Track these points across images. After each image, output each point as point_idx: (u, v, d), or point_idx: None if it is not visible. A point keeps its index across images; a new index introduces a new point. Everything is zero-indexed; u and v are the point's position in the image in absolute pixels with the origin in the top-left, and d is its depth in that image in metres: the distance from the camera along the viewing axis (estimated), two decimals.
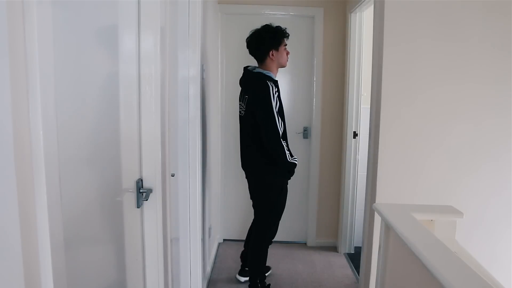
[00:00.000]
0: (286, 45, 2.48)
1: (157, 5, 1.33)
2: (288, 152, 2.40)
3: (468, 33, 2.19)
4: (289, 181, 2.75)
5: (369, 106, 2.41)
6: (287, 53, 2.49)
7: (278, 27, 2.45)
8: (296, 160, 2.44)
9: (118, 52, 1.27)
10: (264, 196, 2.56)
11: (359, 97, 3.26)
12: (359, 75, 3.23)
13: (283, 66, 2.52)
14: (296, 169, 3.40)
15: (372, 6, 2.42)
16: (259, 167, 2.51)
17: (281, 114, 2.39)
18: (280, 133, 2.34)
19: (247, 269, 2.79)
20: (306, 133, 3.48)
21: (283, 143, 2.35)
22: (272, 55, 2.44)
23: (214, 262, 3.19)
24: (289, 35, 2.50)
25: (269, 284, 2.78)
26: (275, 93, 2.34)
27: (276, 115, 2.32)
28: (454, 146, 2.26)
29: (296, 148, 3.44)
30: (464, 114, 2.25)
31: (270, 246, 2.71)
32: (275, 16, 3.40)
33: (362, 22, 3.18)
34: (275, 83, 2.43)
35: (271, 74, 2.45)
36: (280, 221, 2.70)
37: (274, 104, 2.32)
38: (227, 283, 2.87)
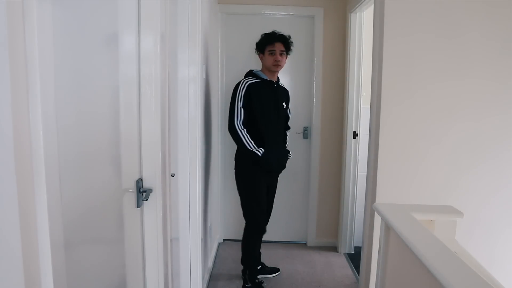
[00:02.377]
0: (271, 50, 2.60)
1: (157, 5, 1.33)
2: (249, 141, 2.50)
3: (468, 31, 2.19)
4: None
5: (369, 106, 2.41)
6: (275, 59, 2.60)
7: (267, 34, 2.66)
8: (258, 152, 2.51)
9: (118, 52, 1.27)
10: (237, 184, 2.71)
11: (359, 97, 3.26)
12: (359, 75, 3.23)
13: (270, 69, 2.65)
14: (296, 169, 3.45)
15: (372, 6, 2.42)
16: (235, 157, 2.71)
17: (254, 108, 2.54)
18: (237, 121, 2.51)
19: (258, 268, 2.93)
20: (306, 133, 3.48)
21: (238, 130, 2.51)
22: (260, 57, 2.68)
23: (214, 262, 3.19)
24: (274, 38, 2.62)
25: (262, 281, 2.80)
26: (243, 88, 2.54)
27: (236, 105, 2.53)
28: (454, 145, 2.26)
29: (296, 148, 3.44)
30: (463, 112, 2.25)
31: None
32: (275, 16, 3.40)
33: (362, 22, 3.18)
34: (266, 82, 2.61)
35: (260, 73, 2.65)
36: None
37: (238, 96, 2.54)
38: (227, 283, 2.87)
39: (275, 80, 2.69)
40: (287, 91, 2.84)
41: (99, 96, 1.15)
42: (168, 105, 1.56)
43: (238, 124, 2.52)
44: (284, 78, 3.43)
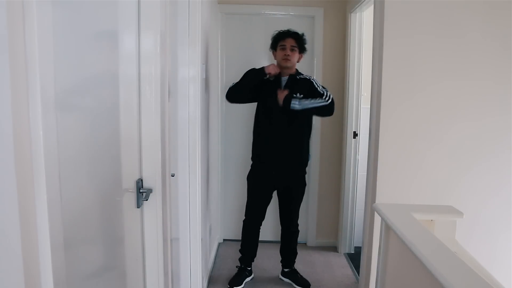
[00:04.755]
0: (282, 45, 2.63)
1: (157, 5, 1.33)
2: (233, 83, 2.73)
3: (468, 31, 2.19)
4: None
5: (369, 106, 2.41)
6: (284, 53, 2.61)
7: (280, 30, 2.68)
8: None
9: (118, 52, 1.27)
10: None
11: (359, 97, 3.26)
12: (359, 75, 3.23)
13: (280, 65, 2.64)
14: None
15: (372, 6, 2.42)
16: None
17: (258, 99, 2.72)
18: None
19: (286, 270, 2.91)
20: None
21: (229, 88, 2.72)
22: (274, 55, 2.72)
23: (214, 262, 3.19)
24: (286, 34, 2.64)
25: (241, 266, 2.86)
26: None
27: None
28: (454, 145, 2.26)
29: None
30: (463, 113, 2.25)
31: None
32: (275, 16, 3.39)
33: (362, 22, 3.18)
34: (274, 79, 2.64)
35: None
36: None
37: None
38: (227, 283, 2.87)
39: (286, 76, 2.64)
40: (307, 80, 2.65)
41: (99, 95, 1.15)
42: (168, 105, 1.56)
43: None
44: None
